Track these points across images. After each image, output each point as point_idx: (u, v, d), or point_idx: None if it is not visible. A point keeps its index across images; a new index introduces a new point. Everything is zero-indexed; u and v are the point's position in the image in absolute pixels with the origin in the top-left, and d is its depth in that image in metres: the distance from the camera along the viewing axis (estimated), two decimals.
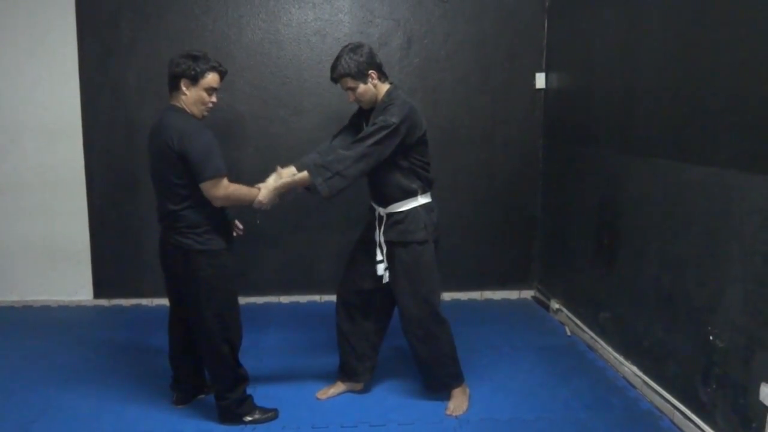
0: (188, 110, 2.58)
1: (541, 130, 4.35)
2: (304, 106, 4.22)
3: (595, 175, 3.52)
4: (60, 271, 4.31)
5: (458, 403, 2.88)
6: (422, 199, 2.77)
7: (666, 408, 2.79)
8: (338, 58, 2.69)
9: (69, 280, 4.32)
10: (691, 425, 2.60)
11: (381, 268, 2.79)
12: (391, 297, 2.89)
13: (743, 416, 2.31)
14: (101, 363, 3.39)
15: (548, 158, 4.29)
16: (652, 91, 2.92)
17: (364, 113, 2.87)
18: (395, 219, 2.76)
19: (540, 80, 4.29)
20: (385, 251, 2.78)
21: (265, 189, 2.67)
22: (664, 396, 2.81)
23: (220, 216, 2.65)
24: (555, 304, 4.09)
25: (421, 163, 2.77)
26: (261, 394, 2.89)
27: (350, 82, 2.70)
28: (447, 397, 2.92)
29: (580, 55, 3.78)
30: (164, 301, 4.23)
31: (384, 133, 2.58)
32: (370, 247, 2.84)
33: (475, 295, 4.49)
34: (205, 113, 2.64)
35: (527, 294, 4.54)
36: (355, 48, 2.70)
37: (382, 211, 2.79)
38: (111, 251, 4.30)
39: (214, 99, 2.63)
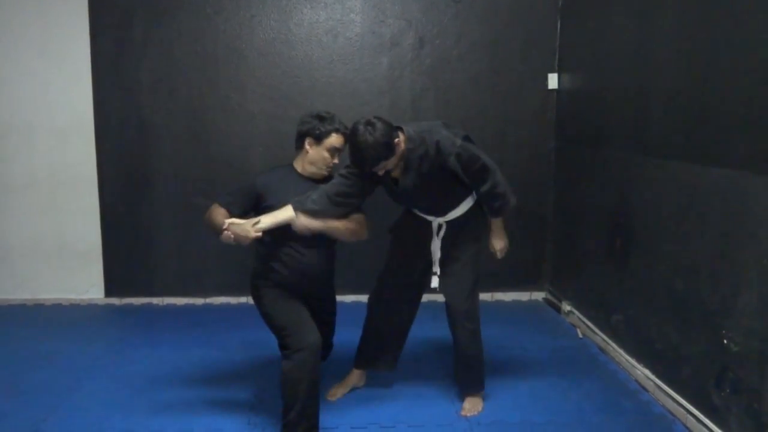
0: (299, 168, 2.75)
1: (554, 131, 4.32)
2: (315, 105, 4.19)
3: (608, 177, 3.50)
4: (71, 270, 4.33)
5: (474, 404, 2.87)
6: (473, 197, 2.80)
7: (679, 412, 2.77)
8: (361, 150, 2.41)
9: (80, 279, 4.34)
10: (705, 429, 2.57)
11: (435, 281, 2.83)
12: (422, 290, 2.96)
13: (757, 421, 2.28)
14: (112, 361, 3.40)
15: (560, 159, 4.27)
16: (666, 92, 2.90)
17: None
18: (458, 223, 2.78)
19: (552, 81, 4.26)
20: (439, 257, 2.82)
21: (237, 223, 2.54)
22: (677, 400, 2.78)
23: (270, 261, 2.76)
24: (566, 306, 4.07)
25: None
26: (271, 395, 2.89)
27: (387, 164, 2.53)
28: (460, 398, 2.93)
29: (592, 55, 3.76)
30: (175, 300, 4.31)
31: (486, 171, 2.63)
32: (419, 249, 2.85)
33: (486, 296, 4.45)
34: (325, 173, 2.75)
35: (538, 295, 4.52)
36: (371, 131, 2.40)
37: (440, 220, 2.79)
38: (122, 250, 4.31)
39: (336, 160, 2.73)
